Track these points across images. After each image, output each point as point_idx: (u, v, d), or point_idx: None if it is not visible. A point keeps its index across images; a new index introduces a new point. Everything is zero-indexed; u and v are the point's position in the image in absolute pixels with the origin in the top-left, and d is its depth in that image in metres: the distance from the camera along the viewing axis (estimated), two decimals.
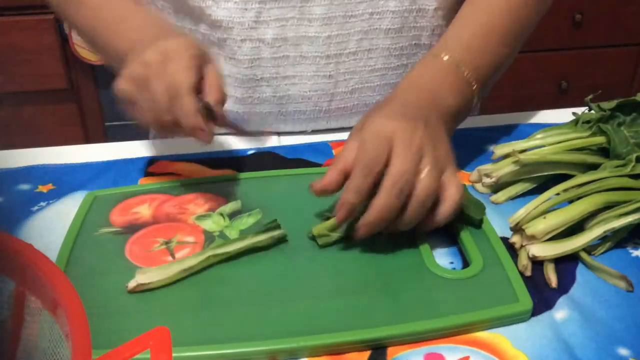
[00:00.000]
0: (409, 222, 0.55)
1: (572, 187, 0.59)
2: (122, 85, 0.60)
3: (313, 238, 0.57)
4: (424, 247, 0.57)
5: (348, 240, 0.57)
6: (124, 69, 0.61)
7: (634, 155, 0.61)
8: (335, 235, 0.57)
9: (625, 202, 0.57)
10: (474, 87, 0.66)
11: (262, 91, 0.77)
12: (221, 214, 0.62)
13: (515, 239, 0.57)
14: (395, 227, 0.55)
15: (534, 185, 0.65)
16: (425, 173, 0.54)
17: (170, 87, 0.57)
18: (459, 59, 0.66)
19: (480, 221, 0.59)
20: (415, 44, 0.76)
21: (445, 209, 0.55)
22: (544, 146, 0.66)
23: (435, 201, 0.55)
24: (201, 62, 0.60)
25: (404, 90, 0.63)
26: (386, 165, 0.54)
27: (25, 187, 0.69)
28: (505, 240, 0.58)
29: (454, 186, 0.55)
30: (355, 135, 0.57)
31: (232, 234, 0.59)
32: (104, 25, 0.70)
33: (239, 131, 0.66)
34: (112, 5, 0.71)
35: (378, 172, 0.53)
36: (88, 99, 1.96)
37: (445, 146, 0.57)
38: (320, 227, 0.57)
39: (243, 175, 0.68)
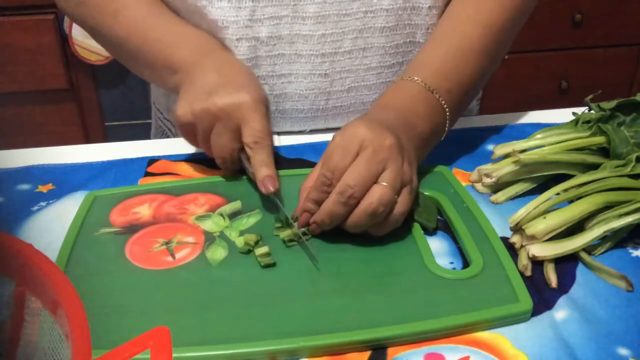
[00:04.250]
0: (353, 226, 0.56)
1: (572, 187, 0.59)
2: (186, 116, 0.64)
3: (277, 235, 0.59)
4: (424, 247, 0.57)
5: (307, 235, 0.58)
6: (189, 98, 0.64)
7: (634, 155, 0.61)
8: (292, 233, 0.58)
9: (625, 202, 0.57)
10: (447, 111, 0.66)
11: None
12: (221, 214, 0.62)
13: (515, 239, 0.57)
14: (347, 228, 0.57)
15: (534, 185, 0.65)
16: (381, 185, 0.54)
17: (253, 135, 0.62)
18: (430, 83, 0.66)
19: (435, 229, 0.60)
20: (410, 41, 0.76)
21: (389, 222, 0.56)
22: (544, 146, 0.66)
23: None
24: (267, 111, 0.65)
25: (376, 111, 0.64)
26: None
27: (25, 187, 0.69)
28: (505, 240, 0.58)
29: (402, 203, 0.56)
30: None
31: (232, 234, 0.59)
32: (152, 39, 0.70)
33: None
34: (159, 20, 0.71)
35: (338, 181, 0.55)
36: (88, 99, 1.96)
37: (411, 164, 0.58)
38: (286, 231, 0.58)
39: (243, 175, 0.68)
